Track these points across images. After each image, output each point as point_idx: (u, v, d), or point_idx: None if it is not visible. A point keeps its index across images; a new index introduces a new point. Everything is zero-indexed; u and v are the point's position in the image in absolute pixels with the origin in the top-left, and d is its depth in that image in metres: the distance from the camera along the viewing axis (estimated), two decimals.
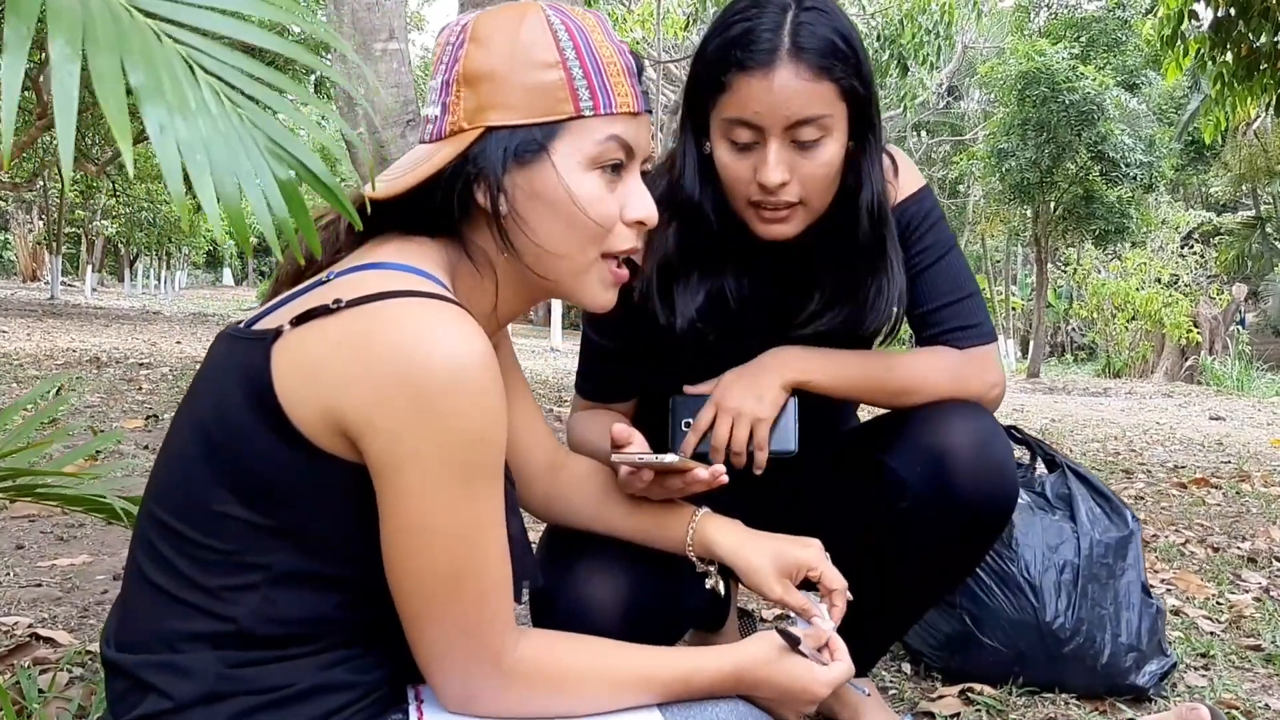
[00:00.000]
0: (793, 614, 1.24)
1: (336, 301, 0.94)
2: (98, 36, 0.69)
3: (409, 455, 0.91)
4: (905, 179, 1.52)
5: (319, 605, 0.98)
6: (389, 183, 1.06)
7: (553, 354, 14.58)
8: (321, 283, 1.00)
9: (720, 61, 1.34)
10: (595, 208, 1.05)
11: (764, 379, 1.44)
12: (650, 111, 1.12)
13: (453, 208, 1.04)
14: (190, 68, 0.74)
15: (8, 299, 18.65)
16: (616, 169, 1.07)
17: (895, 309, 1.45)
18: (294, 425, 0.94)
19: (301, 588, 0.97)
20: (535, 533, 1.48)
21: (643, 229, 1.10)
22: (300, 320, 0.95)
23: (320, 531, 0.97)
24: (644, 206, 1.09)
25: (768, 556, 1.26)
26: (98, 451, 3.86)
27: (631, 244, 1.10)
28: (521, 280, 1.10)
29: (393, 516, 0.94)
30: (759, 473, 1.43)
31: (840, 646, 1.17)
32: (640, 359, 1.55)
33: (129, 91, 0.68)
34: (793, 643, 1.12)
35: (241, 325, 1.03)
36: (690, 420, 1.47)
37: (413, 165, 1.07)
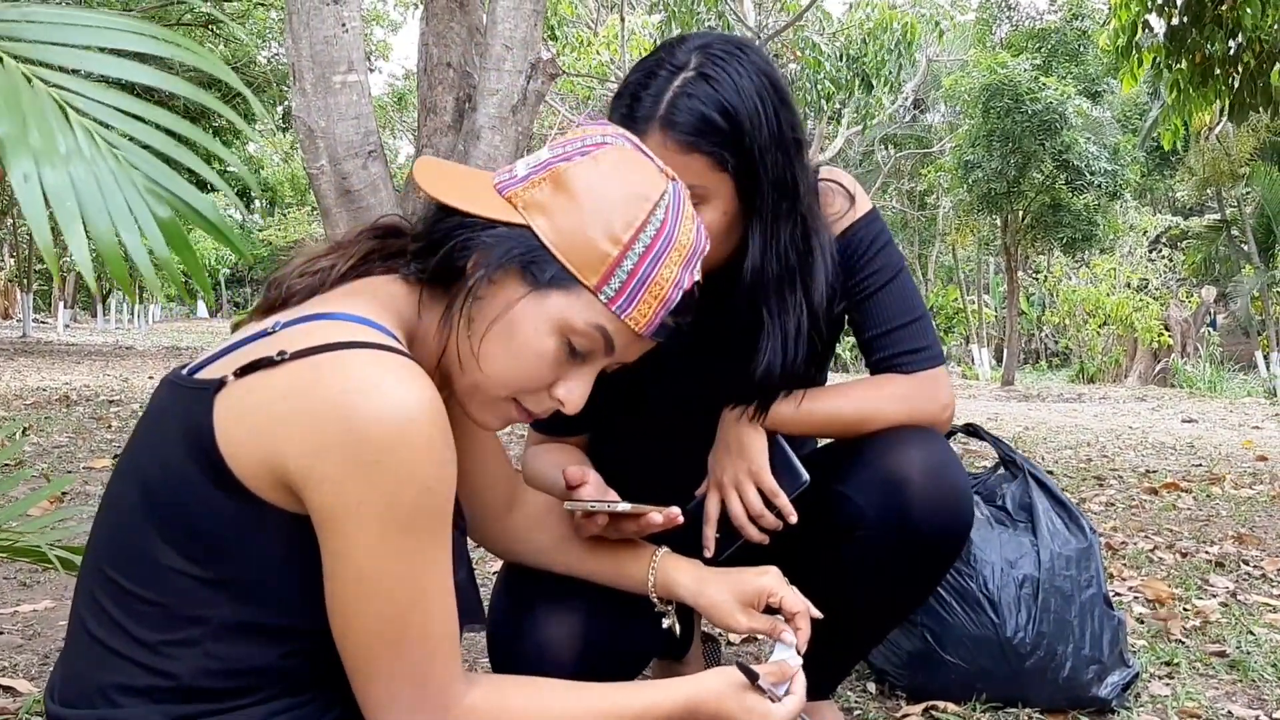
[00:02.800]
0: (767, 641, 1.25)
1: (281, 353, 0.94)
2: None
3: (352, 506, 0.91)
4: (848, 206, 1.51)
5: (262, 656, 0.98)
6: (443, 178, 1.07)
7: None
8: (267, 333, 1.00)
9: (613, 115, 1.36)
10: (534, 364, 1.04)
11: (733, 434, 1.44)
12: (660, 343, 1.09)
13: (447, 250, 1.04)
14: (64, 111, 0.73)
15: None
16: (581, 354, 1.06)
17: (780, 370, 1.41)
18: (236, 476, 0.94)
19: (244, 639, 0.97)
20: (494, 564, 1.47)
21: (559, 407, 1.09)
22: (244, 371, 0.96)
23: (262, 583, 0.97)
24: (574, 396, 1.08)
25: (727, 590, 1.26)
26: (64, 493, 3.82)
27: (540, 411, 1.10)
28: (458, 359, 1.08)
29: (336, 567, 0.94)
30: (793, 521, 1.40)
31: (799, 679, 1.17)
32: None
33: None
34: (751, 678, 1.12)
35: (185, 372, 1.03)
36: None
37: (465, 185, 1.07)
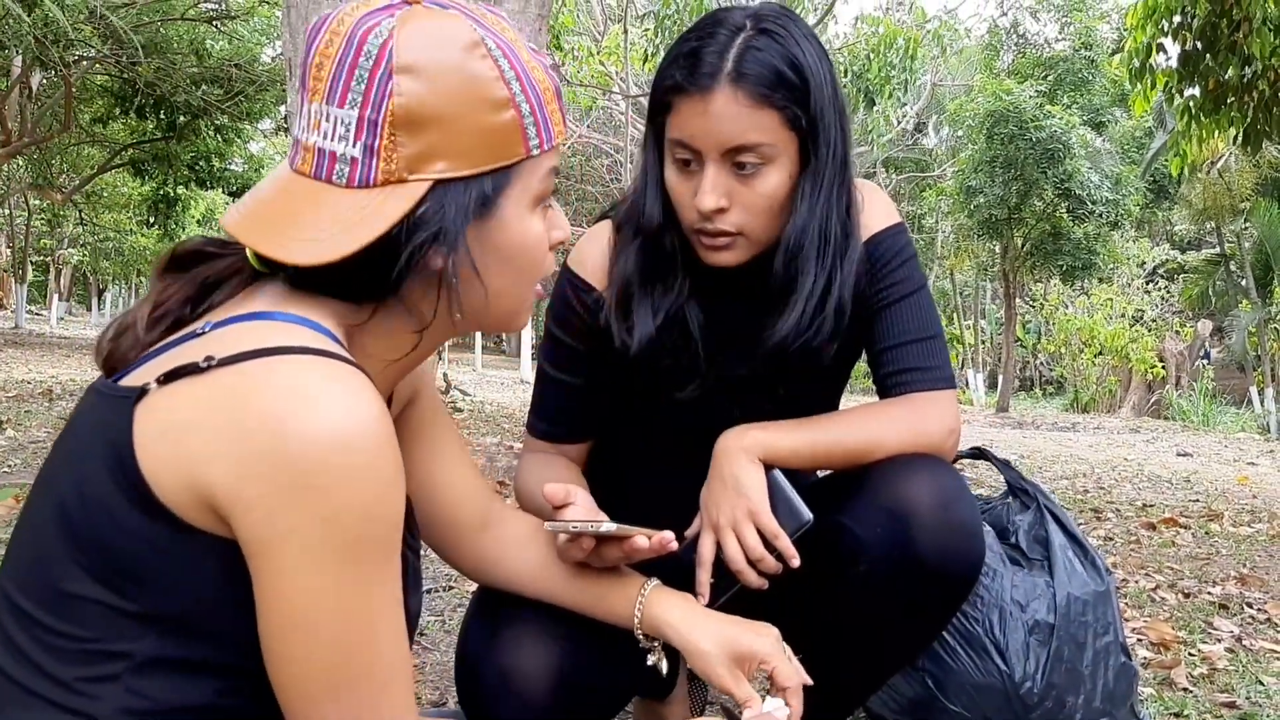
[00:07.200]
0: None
1: (208, 359, 0.83)
2: None
3: (285, 535, 0.80)
4: (879, 213, 1.44)
5: (192, 694, 0.86)
6: (306, 242, 0.88)
7: (522, 386, 14.44)
8: (195, 334, 0.89)
9: (667, 80, 1.30)
10: (537, 252, 1.00)
11: (729, 467, 1.32)
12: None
13: (403, 271, 0.90)
14: None
15: None
16: (548, 199, 1.01)
17: (795, 341, 1.35)
18: (158, 498, 0.82)
19: (171, 676, 0.85)
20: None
21: (560, 247, 1.06)
22: (169, 378, 0.84)
23: (190, 615, 0.85)
24: (564, 227, 1.05)
25: (718, 642, 1.16)
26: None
27: (554, 267, 1.07)
28: (445, 329, 0.99)
29: (270, 603, 0.83)
30: (796, 565, 1.28)
31: None
32: (599, 394, 1.47)
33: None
34: None
35: (111, 379, 0.91)
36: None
37: (329, 216, 0.89)
